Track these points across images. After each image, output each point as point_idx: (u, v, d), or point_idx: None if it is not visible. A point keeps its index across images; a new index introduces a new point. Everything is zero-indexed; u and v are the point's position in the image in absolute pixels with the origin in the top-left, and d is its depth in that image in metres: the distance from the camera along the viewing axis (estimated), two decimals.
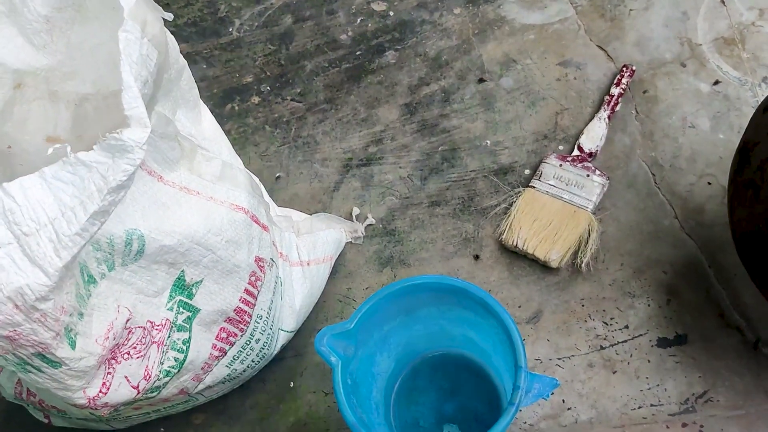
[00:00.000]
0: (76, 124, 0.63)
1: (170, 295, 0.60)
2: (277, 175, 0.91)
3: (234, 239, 0.63)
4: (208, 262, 0.61)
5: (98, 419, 0.70)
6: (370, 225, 0.87)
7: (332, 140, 0.94)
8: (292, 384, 0.79)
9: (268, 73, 1.00)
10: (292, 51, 1.02)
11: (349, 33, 1.02)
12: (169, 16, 0.50)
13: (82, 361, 0.50)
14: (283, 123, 0.96)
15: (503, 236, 0.82)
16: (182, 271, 0.60)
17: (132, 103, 0.44)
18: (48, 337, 0.46)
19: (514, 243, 0.80)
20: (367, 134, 0.93)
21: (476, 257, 0.82)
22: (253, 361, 0.71)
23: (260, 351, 0.71)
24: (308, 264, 0.78)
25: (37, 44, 0.58)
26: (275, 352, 0.75)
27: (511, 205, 0.84)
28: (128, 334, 0.55)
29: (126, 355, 0.56)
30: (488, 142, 0.89)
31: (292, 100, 0.98)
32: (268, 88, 1.00)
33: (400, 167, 0.90)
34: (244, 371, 0.71)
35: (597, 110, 0.89)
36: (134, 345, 0.56)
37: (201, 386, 0.67)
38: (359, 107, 0.95)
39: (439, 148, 0.90)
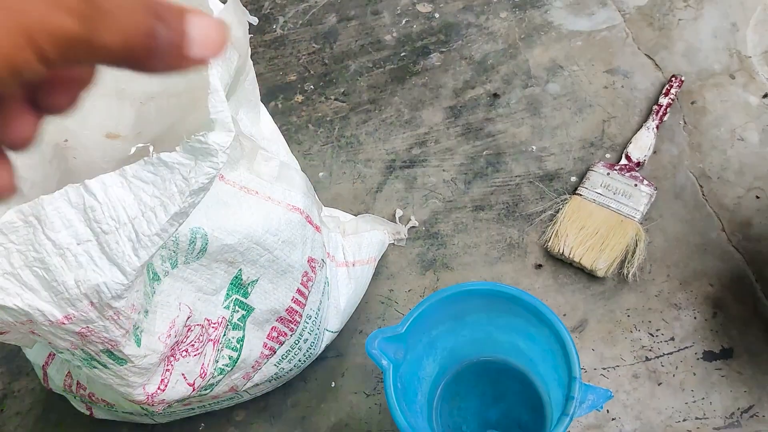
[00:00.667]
0: (138, 122, 0.63)
1: (227, 294, 0.60)
2: (320, 174, 0.91)
3: (289, 239, 0.63)
4: (264, 261, 0.61)
5: (144, 413, 0.71)
6: (413, 227, 0.86)
7: (375, 141, 0.94)
8: (333, 384, 0.79)
9: (312, 72, 1.00)
10: (336, 50, 1.02)
11: (394, 34, 1.02)
12: (254, 20, 0.50)
13: (146, 359, 0.50)
14: (327, 122, 0.96)
15: (549, 243, 0.81)
16: (240, 270, 0.60)
17: (218, 107, 0.44)
18: (118, 334, 0.46)
19: (560, 250, 0.80)
20: (411, 136, 0.93)
21: (538, 266, 0.81)
22: (299, 361, 0.71)
23: (307, 351, 0.71)
24: (353, 265, 0.78)
25: None
26: (320, 352, 0.76)
27: (557, 212, 0.84)
28: (187, 331, 0.56)
29: (184, 353, 0.56)
30: (534, 147, 0.89)
31: (335, 99, 0.98)
32: (312, 86, 1.00)
33: (444, 170, 0.90)
34: (290, 370, 0.72)
35: (645, 119, 0.88)
36: (192, 342, 0.56)
37: (249, 384, 0.68)
38: (403, 109, 0.95)
39: (484, 153, 0.90)
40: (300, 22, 1.05)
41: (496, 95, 0.93)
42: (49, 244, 0.42)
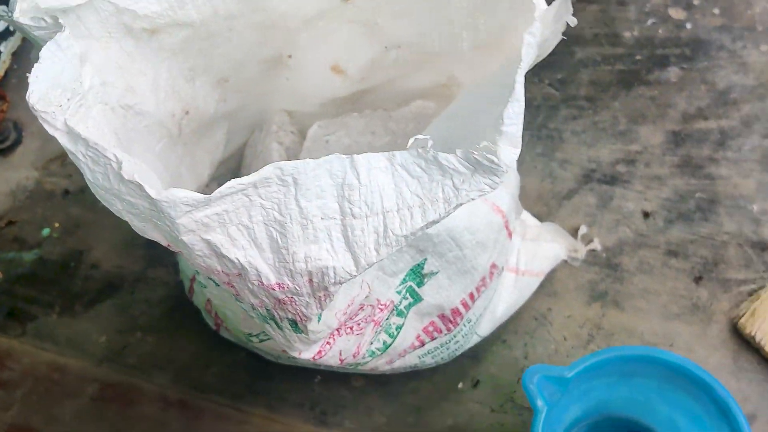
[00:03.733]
0: (370, 66, 0.58)
1: (404, 279, 0.55)
2: None
3: (483, 241, 0.57)
4: (452, 257, 0.56)
5: (273, 354, 0.68)
6: (593, 250, 0.79)
7: (580, 143, 0.85)
8: (460, 385, 0.74)
9: None
10: (566, 32, 0.93)
11: (635, 32, 0.91)
12: (573, 21, 0.43)
13: (320, 334, 0.47)
14: (533, 107, 0.88)
15: (741, 320, 0.72)
16: (425, 259, 0.55)
17: (513, 119, 0.37)
18: (315, 312, 0.42)
19: (752, 333, 0.71)
20: (620, 150, 0.84)
21: (721, 340, 0.72)
22: (442, 358, 0.67)
23: (453, 351, 0.67)
24: (523, 274, 0.72)
25: None
26: (461, 353, 0.71)
27: (761, 287, 0.74)
28: (359, 309, 0.51)
29: (348, 330, 0.52)
30: (755, 207, 0.78)
31: (549, 84, 0.90)
32: None
33: (646, 199, 0.81)
34: (429, 365, 0.67)
35: None
36: (358, 321, 0.52)
37: (387, 367, 0.64)
38: (620, 117, 0.86)
39: (696, 194, 0.80)
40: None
41: (727, 135, 0.82)
42: (296, 210, 0.38)
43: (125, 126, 0.51)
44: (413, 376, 0.74)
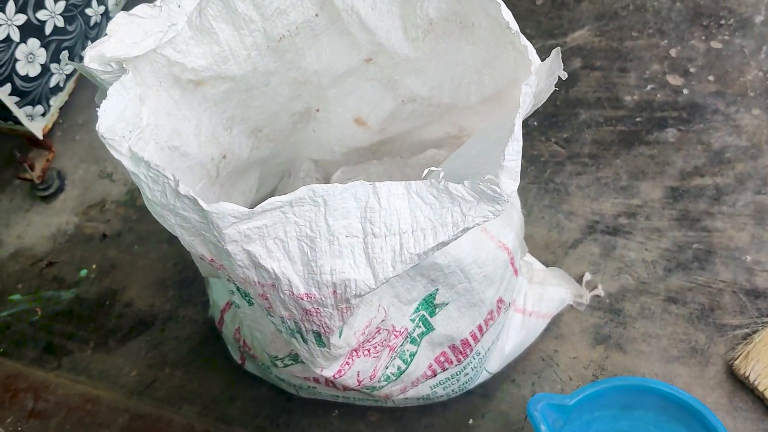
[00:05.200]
0: (389, 118, 0.65)
1: (417, 308, 0.60)
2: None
3: (490, 276, 0.62)
4: (461, 289, 0.61)
5: (292, 384, 0.73)
6: (597, 296, 0.84)
7: (584, 197, 0.91)
8: (471, 421, 0.78)
9: (540, 109, 0.99)
10: (571, 95, 1.00)
11: (635, 96, 0.99)
12: (564, 75, 0.50)
13: (340, 350, 0.52)
14: (540, 162, 0.95)
15: (736, 362, 0.76)
16: (437, 289, 0.60)
17: (513, 156, 0.44)
18: (337, 325, 0.47)
19: (746, 374, 0.75)
20: (622, 204, 0.90)
21: (717, 381, 0.77)
22: (452, 391, 0.71)
23: (463, 384, 0.71)
24: (530, 315, 0.77)
25: (410, 36, 0.60)
26: (471, 388, 0.75)
27: (754, 332, 0.78)
28: (375, 333, 0.57)
29: (366, 352, 0.57)
30: (749, 258, 0.84)
31: (555, 142, 0.96)
32: (536, 123, 0.99)
33: (647, 249, 0.86)
34: (440, 396, 0.72)
35: None
36: (375, 345, 0.58)
37: (401, 396, 0.68)
38: (622, 174, 0.92)
39: (694, 245, 0.85)
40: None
41: (722, 191, 0.88)
42: (325, 228, 0.44)
43: (171, 164, 0.58)
44: (426, 411, 0.79)
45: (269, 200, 0.44)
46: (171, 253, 0.94)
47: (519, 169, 0.43)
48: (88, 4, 1.02)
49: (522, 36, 0.53)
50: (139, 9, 0.53)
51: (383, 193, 0.44)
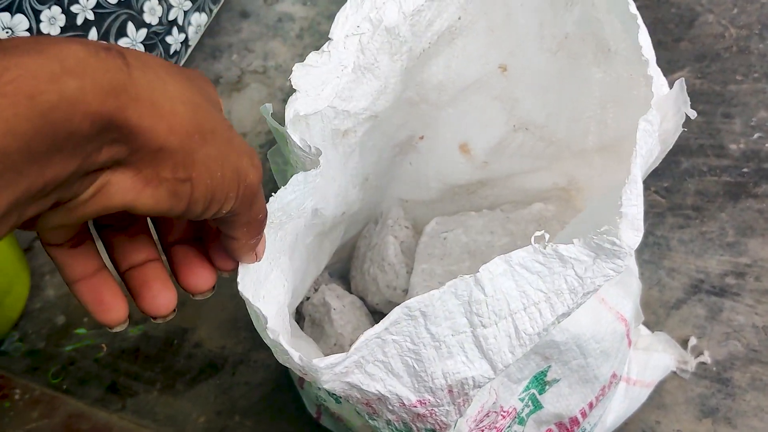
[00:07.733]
0: (496, 148, 0.60)
1: (527, 386, 0.55)
2: None
3: (606, 350, 0.57)
4: (575, 365, 0.55)
5: None
6: (703, 363, 0.77)
7: (687, 253, 0.85)
8: None
9: None
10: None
11: (741, 145, 0.92)
12: (693, 114, 0.44)
13: None
14: None
15: None
16: (549, 366, 0.55)
17: (632, 200, 0.38)
18: (453, 419, 0.42)
19: None
20: (729, 262, 0.83)
21: None
22: None
23: None
24: (634, 384, 0.71)
25: (545, 47, 0.55)
26: None
27: None
28: (485, 416, 0.51)
29: None
30: None
31: (655, 191, 0.90)
32: None
33: (757, 314, 0.79)
34: None
35: None
36: (483, 428, 0.52)
37: None
38: (728, 229, 0.86)
39: None
40: None
41: None
42: (428, 337, 0.39)
43: (305, 224, 0.52)
44: None
45: (364, 336, 0.39)
46: None
47: (642, 216, 0.37)
48: (169, 32, 1.00)
49: (652, 63, 0.47)
50: (311, 58, 0.48)
51: (486, 281, 0.38)
